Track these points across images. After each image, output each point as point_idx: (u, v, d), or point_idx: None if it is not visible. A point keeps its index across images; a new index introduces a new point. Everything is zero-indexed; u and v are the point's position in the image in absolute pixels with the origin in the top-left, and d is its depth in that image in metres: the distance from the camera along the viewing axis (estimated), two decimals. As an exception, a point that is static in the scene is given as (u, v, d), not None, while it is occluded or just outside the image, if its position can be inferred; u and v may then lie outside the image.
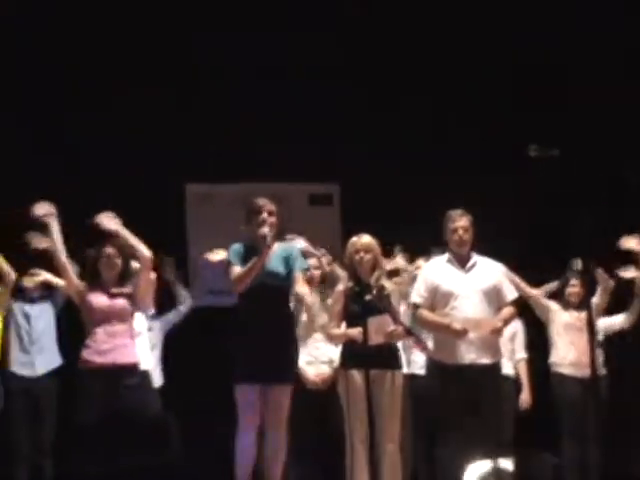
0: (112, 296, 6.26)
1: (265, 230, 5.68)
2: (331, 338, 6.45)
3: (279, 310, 5.81)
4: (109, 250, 6.32)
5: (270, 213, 5.83)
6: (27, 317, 7.46)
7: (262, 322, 5.67)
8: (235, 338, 5.76)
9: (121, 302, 6.27)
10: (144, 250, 6.27)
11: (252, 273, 5.66)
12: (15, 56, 8.41)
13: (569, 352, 7.46)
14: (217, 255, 6.88)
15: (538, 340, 7.80)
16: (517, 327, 7.76)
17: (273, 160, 8.83)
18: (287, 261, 5.85)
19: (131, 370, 6.23)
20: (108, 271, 6.32)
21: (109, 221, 6.23)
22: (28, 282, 7.31)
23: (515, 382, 7.72)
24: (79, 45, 8.50)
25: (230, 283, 5.79)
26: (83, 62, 8.53)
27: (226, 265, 5.86)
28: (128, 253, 6.39)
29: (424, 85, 9.13)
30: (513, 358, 7.71)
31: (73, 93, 8.54)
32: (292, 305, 6.91)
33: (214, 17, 8.87)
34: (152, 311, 7.34)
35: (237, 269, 5.72)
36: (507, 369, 7.24)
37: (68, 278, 6.34)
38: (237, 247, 5.86)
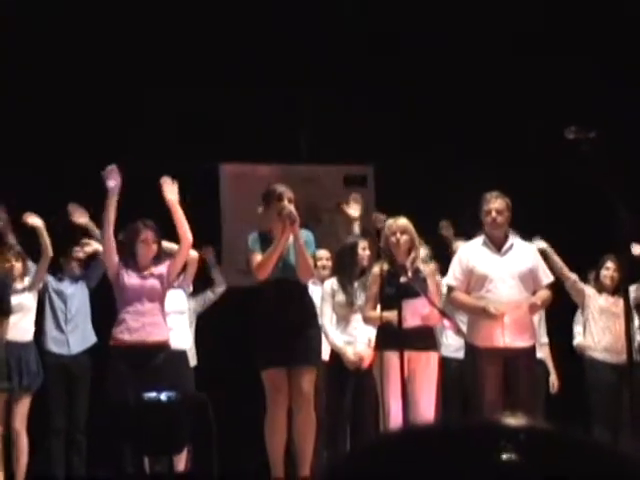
0: (144, 276, 6.30)
1: (290, 208, 5.64)
2: (367, 320, 6.43)
3: (300, 298, 5.80)
4: (147, 234, 6.34)
5: (289, 200, 5.77)
6: (62, 296, 7.49)
7: (287, 309, 5.66)
8: (258, 325, 5.75)
9: (152, 281, 6.31)
10: (187, 233, 6.29)
11: (274, 257, 5.63)
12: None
13: (603, 337, 7.41)
14: None
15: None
16: (541, 312, 7.70)
17: (308, 141, 8.82)
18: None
19: (160, 348, 6.26)
20: (144, 254, 6.34)
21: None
22: (79, 253, 7.34)
23: (545, 366, 7.69)
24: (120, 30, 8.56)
25: (251, 271, 5.76)
26: (127, 45, 8.57)
27: (246, 254, 5.84)
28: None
29: (460, 70, 9.09)
30: (539, 342, 7.66)
31: (111, 75, 8.58)
32: (327, 287, 6.94)
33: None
34: (190, 289, 7.39)
35: (258, 257, 5.69)
36: (539, 353, 7.21)
37: (111, 253, 6.36)
38: (255, 236, 5.84)
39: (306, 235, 5.89)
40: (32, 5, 8.40)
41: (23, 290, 7.12)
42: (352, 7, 9.05)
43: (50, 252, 7.09)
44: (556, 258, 7.25)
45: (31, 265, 7.27)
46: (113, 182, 6.30)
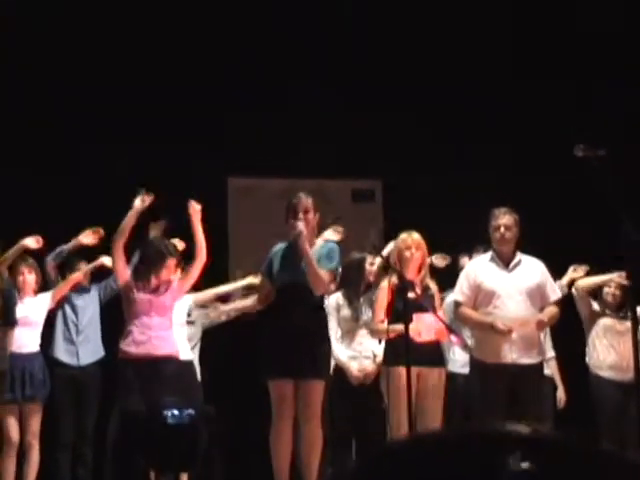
0: (154, 291, 6.31)
1: (298, 222, 5.65)
2: (374, 332, 6.41)
3: (311, 306, 5.77)
4: (172, 261, 6.38)
5: (306, 210, 5.75)
6: (74, 308, 7.45)
7: (294, 318, 5.65)
8: (267, 334, 5.75)
9: (162, 297, 6.34)
10: (203, 252, 6.36)
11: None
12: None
13: (608, 355, 7.38)
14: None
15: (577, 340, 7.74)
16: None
17: (316, 155, 8.81)
18: (322, 259, 5.81)
19: (167, 361, 6.27)
20: (163, 276, 6.37)
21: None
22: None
23: (552, 381, 7.66)
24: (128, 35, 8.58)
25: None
26: (126, 46, 8.59)
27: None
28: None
29: (469, 81, 9.08)
30: (546, 358, 7.64)
31: (111, 75, 8.59)
32: (332, 302, 6.92)
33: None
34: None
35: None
36: (546, 369, 7.19)
37: (124, 266, 6.41)
38: (277, 250, 5.85)
39: (328, 248, 5.88)
40: (32, 5, 8.43)
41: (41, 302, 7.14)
42: (352, 7, 9.06)
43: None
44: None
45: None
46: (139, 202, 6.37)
